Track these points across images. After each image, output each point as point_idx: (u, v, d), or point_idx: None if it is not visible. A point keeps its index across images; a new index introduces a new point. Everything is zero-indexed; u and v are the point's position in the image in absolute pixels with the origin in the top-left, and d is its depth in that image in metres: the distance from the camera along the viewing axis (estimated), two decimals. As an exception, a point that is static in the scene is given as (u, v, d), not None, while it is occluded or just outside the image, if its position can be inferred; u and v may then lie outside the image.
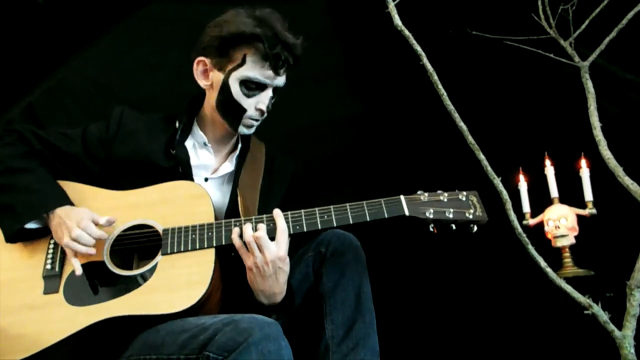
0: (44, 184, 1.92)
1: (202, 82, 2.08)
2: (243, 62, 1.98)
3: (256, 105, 2.02)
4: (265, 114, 2.06)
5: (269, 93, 2.03)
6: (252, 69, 1.98)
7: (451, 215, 1.87)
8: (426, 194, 1.91)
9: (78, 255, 1.81)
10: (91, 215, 1.85)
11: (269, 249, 1.78)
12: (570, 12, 2.20)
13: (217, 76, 2.03)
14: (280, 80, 2.04)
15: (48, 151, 2.01)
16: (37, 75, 3.09)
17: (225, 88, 2.00)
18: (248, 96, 2.00)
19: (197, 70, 2.07)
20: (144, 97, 3.17)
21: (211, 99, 2.07)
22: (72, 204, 1.90)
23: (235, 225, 1.84)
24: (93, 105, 3.19)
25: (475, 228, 1.90)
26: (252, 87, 2.00)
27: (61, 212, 1.86)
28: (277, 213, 1.84)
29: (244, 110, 2.01)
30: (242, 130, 2.06)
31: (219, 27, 2.00)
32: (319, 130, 3.42)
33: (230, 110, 2.02)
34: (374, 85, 3.46)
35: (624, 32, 2.15)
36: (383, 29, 2.41)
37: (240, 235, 1.82)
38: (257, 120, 2.05)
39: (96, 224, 1.84)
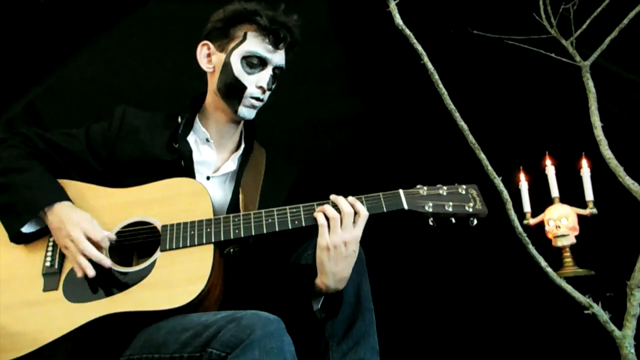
0: (41, 180, 1.92)
1: (205, 66, 2.10)
2: (244, 39, 2.02)
3: (257, 82, 2.03)
4: (267, 94, 2.07)
5: (269, 71, 2.04)
6: (253, 44, 2.01)
7: (451, 209, 1.86)
8: (425, 188, 1.90)
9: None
10: (89, 230, 1.83)
11: (351, 229, 1.79)
12: (571, 12, 2.20)
13: (219, 58, 2.06)
14: (280, 57, 2.06)
15: (52, 151, 2.02)
16: (38, 74, 3.10)
17: (227, 67, 2.03)
18: (249, 73, 2.02)
19: (201, 53, 2.10)
20: (144, 95, 3.19)
21: (213, 83, 2.09)
22: (69, 199, 1.90)
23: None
24: (94, 103, 3.20)
25: (475, 221, 1.89)
26: (253, 62, 2.02)
27: (60, 210, 1.85)
28: (353, 200, 1.84)
29: (245, 88, 2.02)
30: (242, 111, 2.05)
31: (221, 11, 2.07)
32: (319, 129, 3.43)
33: (232, 89, 2.03)
34: (374, 85, 3.46)
35: (625, 32, 2.15)
36: (384, 29, 2.42)
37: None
38: (257, 99, 2.05)
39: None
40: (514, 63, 2.80)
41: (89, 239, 1.80)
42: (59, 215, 1.84)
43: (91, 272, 1.77)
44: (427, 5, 2.86)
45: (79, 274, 1.78)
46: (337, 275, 1.80)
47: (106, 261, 1.79)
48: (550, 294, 2.19)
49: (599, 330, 1.98)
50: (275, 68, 2.07)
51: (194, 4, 3.13)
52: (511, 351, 2.89)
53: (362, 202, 1.85)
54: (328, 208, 1.81)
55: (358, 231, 1.81)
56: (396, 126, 3.42)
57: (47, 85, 3.16)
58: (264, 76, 2.03)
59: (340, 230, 1.78)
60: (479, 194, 1.92)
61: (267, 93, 2.07)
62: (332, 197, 1.85)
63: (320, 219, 1.80)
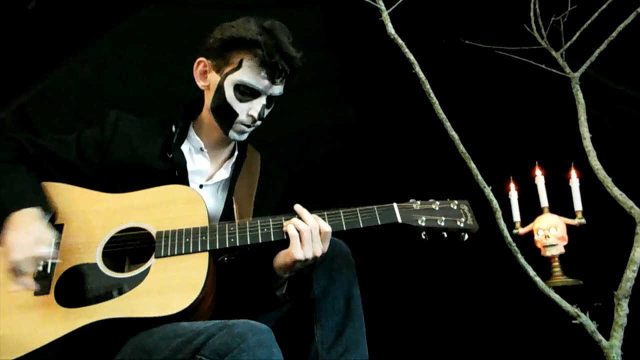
0: (16, 184, 1.88)
1: (200, 83, 2.09)
2: (239, 66, 1.98)
3: (248, 111, 2.00)
4: (258, 122, 2.04)
5: (262, 100, 2.01)
6: (247, 74, 1.97)
7: (443, 224, 1.89)
8: (418, 202, 1.93)
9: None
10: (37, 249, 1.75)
11: (319, 241, 1.82)
12: (561, 24, 2.22)
13: (214, 78, 2.04)
14: (276, 89, 2.02)
15: (42, 156, 2.00)
16: (29, 78, 3.08)
17: (220, 91, 2.01)
18: (241, 101, 2.00)
19: (197, 70, 2.09)
20: (137, 100, 3.18)
21: (207, 100, 2.08)
22: (45, 204, 1.86)
23: (279, 220, 1.86)
24: (86, 108, 3.19)
25: (466, 236, 1.92)
26: (245, 92, 1.99)
27: (15, 219, 1.78)
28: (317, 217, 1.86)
29: (236, 115, 2.01)
30: (233, 135, 2.05)
31: (222, 30, 2.02)
32: (311, 136, 3.43)
33: (223, 113, 2.02)
34: (366, 93, 3.47)
35: (614, 44, 2.17)
36: (376, 37, 2.43)
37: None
38: (248, 126, 2.04)
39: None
40: (505, 73, 2.82)
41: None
42: (16, 222, 1.77)
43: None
44: (419, 15, 2.87)
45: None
46: (294, 270, 1.88)
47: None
48: (538, 303, 2.20)
49: (586, 340, 1.99)
50: (270, 97, 2.04)
51: (188, 10, 3.14)
52: None
53: (356, 214, 1.86)
54: (298, 221, 1.83)
55: (326, 244, 1.84)
56: (387, 134, 3.43)
57: (38, 89, 3.15)
58: (255, 105, 2.00)
59: (311, 243, 1.80)
60: (470, 210, 1.95)
61: (259, 122, 2.04)
62: (298, 209, 1.87)
63: (292, 231, 1.81)
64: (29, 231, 1.76)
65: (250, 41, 1.95)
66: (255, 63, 1.96)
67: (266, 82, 1.98)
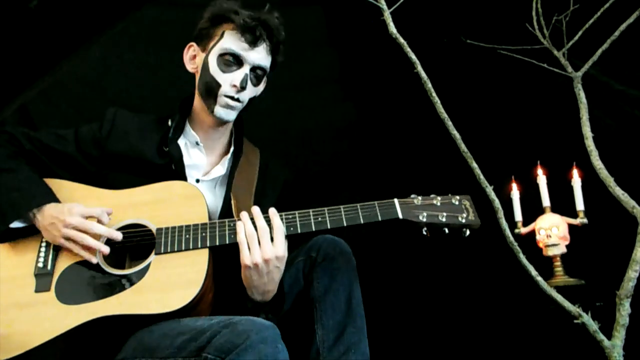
0: (28, 182, 1.91)
1: (189, 67, 2.12)
2: (222, 37, 2.02)
3: (231, 81, 2.01)
4: (243, 95, 2.03)
5: (245, 70, 2.02)
6: (229, 41, 2.01)
7: (444, 219, 1.88)
8: (420, 198, 1.92)
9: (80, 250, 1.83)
10: (85, 210, 1.85)
11: (269, 245, 1.79)
12: (563, 23, 2.22)
13: (201, 57, 2.07)
14: (258, 56, 2.03)
15: (39, 151, 2.02)
16: (30, 77, 3.09)
17: (205, 66, 2.04)
18: (224, 71, 2.01)
19: (187, 55, 2.13)
20: (137, 98, 3.19)
21: (197, 83, 2.10)
22: (58, 200, 1.90)
23: (234, 222, 1.84)
24: (87, 106, 3.20)
25: (468, 232, 1.91)
26: (229, 60, 2.01)
27: (50, 210, 1.84)
28: (273, 212, 1.85)
29: (219, 86, 2.01)
30: (219, 112, 2.03)
31: (208, 10, 2.07)
32: (313, 135, 3.43)
33: (208, 88, 2.03)
34: (368, 92, 3.47)
35: (616, 44, 2.16)
36: (378, 36, 2.42)
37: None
38: (232, 98, 2.02)
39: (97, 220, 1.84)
40: (507, 73, 2.82)
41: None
42: (50, 213, 1.83)
43: (106, 249, 1.80)
44: (421, 14, 2.87)
45: (94, 260, 1.80)
46: (259, 289, 1.83)
47: (117, 234, 1.82)
48: (540, 303, 2.19)
49: (588, 340, 1.98)
50: (254, 68, 2.05)
51: (188, 8, 3.13)
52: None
53: (356, 210, 1.86)
54: (247, 225, 1.81)
55: (278, 249, 1.80)
56: (389, 134, 3.43)
57: (40, 88, 3.15)
58: (238, 75, 2.01)
59: (258, 248, 1.78)
60: (472, 205, 1.94)
61: (244, 93, 2.03)
62: (253, 209, 1.85)
63: (240, 237, 1.80)
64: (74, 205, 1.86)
65: (228, 10, 2.02)
66: (235, 30, 2.01)
67: (245, 46, 2.01)
